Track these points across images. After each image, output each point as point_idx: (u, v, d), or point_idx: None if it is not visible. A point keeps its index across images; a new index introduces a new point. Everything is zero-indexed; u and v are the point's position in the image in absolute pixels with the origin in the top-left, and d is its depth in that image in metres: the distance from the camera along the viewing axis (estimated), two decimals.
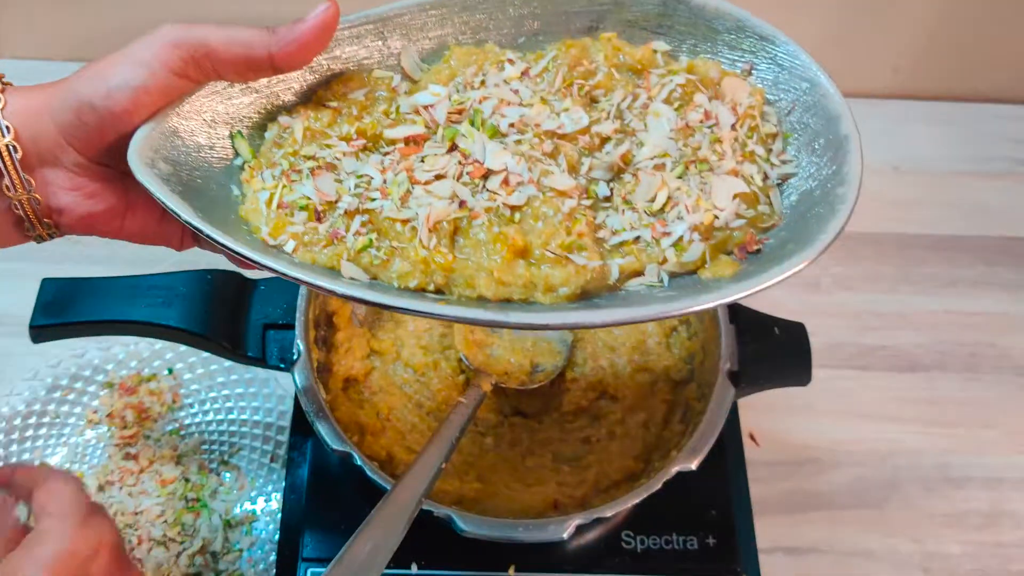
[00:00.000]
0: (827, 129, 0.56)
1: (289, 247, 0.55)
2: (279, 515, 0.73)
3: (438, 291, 0.55)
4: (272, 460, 0.79)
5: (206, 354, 0.83)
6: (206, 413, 0.82)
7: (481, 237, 0.54)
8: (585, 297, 0.54)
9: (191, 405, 0.82)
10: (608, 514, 0.63)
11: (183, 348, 0.85)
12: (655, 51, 0.62)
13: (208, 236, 0.52)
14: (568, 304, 0.53)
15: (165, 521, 0.77)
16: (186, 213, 0.51)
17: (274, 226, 0.55)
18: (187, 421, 0.81)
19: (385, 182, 0.56)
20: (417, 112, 0.59)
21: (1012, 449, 0.90)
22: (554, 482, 0.77)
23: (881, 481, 0.89)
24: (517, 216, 0.55)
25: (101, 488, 0.78)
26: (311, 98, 0.61)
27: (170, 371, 0.85)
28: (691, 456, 0.69)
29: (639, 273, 0.55)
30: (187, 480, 0.77)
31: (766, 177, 0.57)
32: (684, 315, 0.48)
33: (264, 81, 0.59)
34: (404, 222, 0.54)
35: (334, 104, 0.59)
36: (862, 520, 0.87)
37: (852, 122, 0.55)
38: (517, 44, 0.63)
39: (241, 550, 0.77)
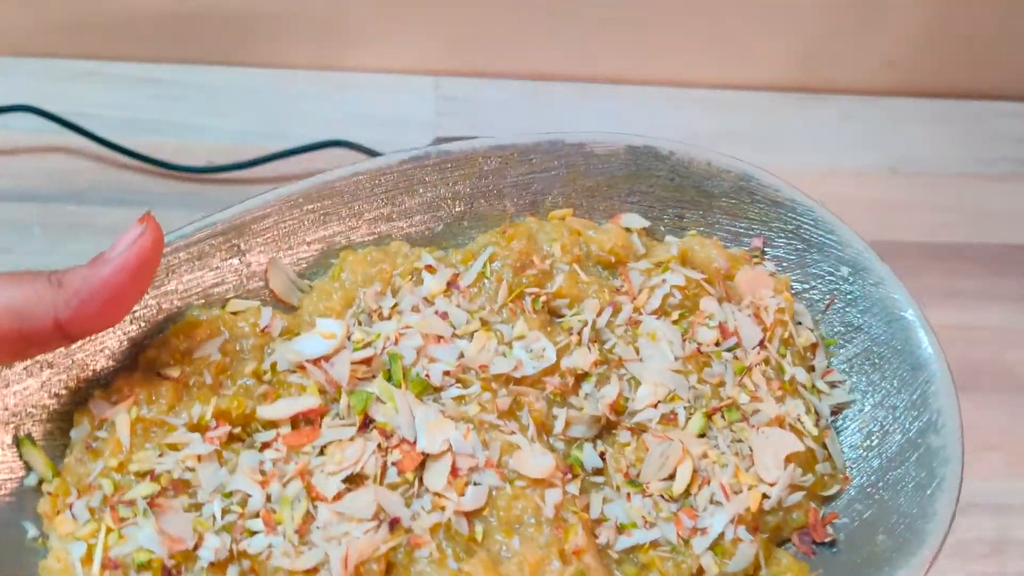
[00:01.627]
0: (890, 335, 0.42)
1: None
2: None
3: None
4: None
5: None
6: None
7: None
8: None
9: None
10: None
11: None
12: (628, 230, 0.47)
13: None
14: None
15: None
16: None
17: None
18: None
19: (269, 500, 0.38)
20: (303, 368, 0.41)
21: (1017, 472, 0.85)
22: None
23: None
24: (479, 530, 0.38)
25: None
26: (137, 361, 0.42)
27: None
28: None
29: None
30: None
31: (818, 417, 0.42)
32: None
33: (63, 349, 0.40)
34: (308, 573, 0.37)
35: (174, 371, 0.40)
36: None
37: (924, 325, 0.42)
38: (434, 236, 0.47)
39: None
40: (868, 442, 0.43)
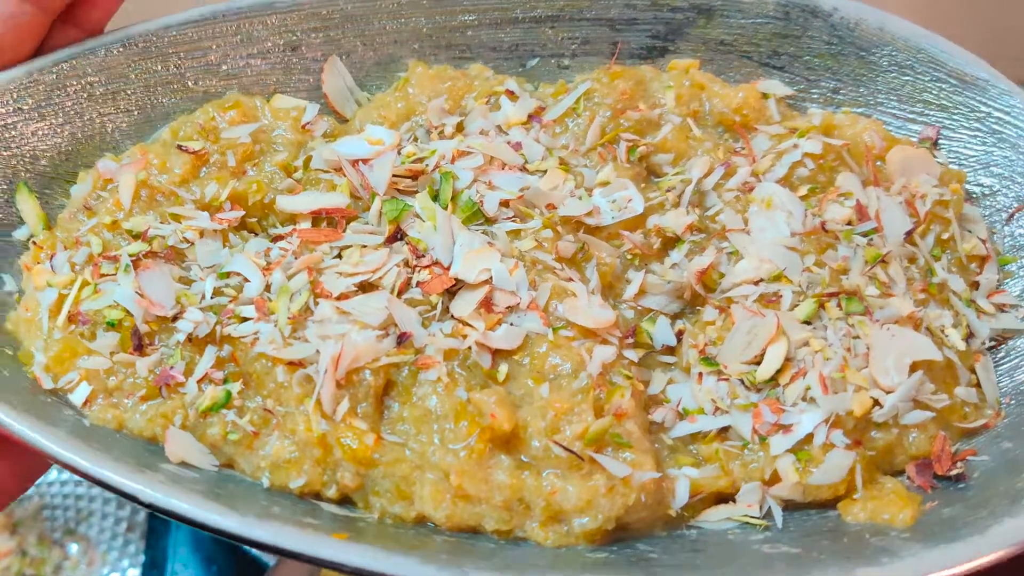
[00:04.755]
0: None
1: (79, 395, 0.37)
2: None
3: (342, 499, 0.36)
4: (129, 529, 0.79)
5: None
6: (47, 472, 0.81)
7: (432, 404, 0.35)
8: (621, 537, 0.34)
9: None
10: None
11: None
12: (765, 95, 0.43)
13: None
14: (588, 553, 0.33)
15: None
16: None
17: (57, 355, 0.37)
18: None
19: (269, 289, 0.37)
20: (340, 170, 0.39)
21: None
22: None
23: None
24: (503, 369, 0.35)
25: None
26: (159, 133, 0.42)
27: None
28: None
29: (726, 498, 0.35)
30: (24, 553, 0.78)
31: (970, 335, 0.37)
32: None
33: (83, 94, 0.40)
34: (293, 366, 0.35)
35: (198, 146, 0.40)
36: None
37: None
38: (524, 69, 0.45)
39: None
40: None
